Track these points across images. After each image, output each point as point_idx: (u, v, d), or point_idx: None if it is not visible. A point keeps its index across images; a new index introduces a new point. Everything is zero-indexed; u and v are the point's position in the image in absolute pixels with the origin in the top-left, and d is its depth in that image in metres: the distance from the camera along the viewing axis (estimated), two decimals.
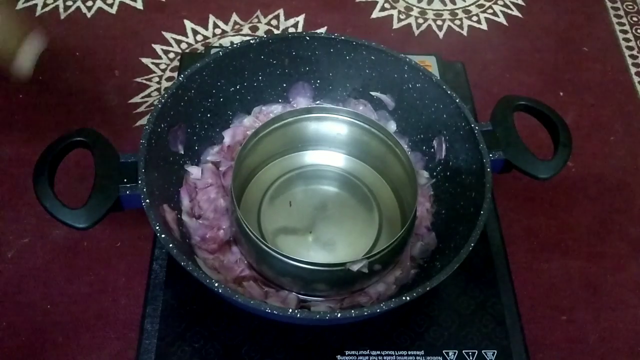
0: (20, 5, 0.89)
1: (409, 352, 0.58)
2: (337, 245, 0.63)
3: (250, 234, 0.56)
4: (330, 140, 0.68)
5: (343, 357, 0.58)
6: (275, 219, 0.64)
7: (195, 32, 0.88)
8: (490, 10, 0.95)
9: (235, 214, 0.58)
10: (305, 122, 0.66)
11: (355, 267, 0.54)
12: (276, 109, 0.71)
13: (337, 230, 0.64)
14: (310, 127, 0.67)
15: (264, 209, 0.65)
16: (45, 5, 0.90)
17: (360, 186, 0.67)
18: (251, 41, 0.65)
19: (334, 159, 0.69)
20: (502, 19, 0.94)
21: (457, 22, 0.93)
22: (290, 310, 0.49)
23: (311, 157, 0.69)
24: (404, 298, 0.50)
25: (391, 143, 0.64)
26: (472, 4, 0.96)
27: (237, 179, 0.61)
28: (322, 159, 0.69)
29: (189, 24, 0.89)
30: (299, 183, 0.68)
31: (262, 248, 0.56)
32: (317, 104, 0.71)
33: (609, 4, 0.98)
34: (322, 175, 0.69)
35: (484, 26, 0.93)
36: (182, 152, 0.65)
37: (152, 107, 0.68)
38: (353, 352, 0.58)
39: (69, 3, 0.90)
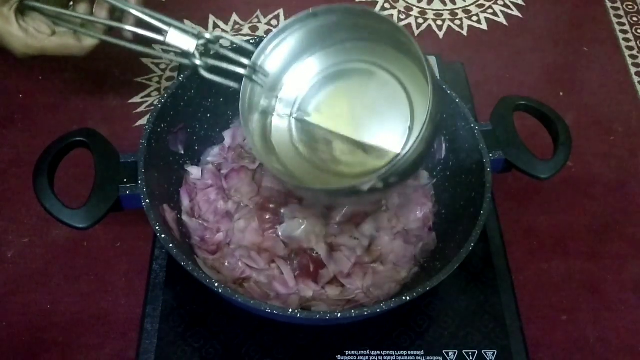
0: None
1: (409, 352, 0.58)
2: (369, 147, 0.59)
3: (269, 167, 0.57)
4: (346, 34, 0.61)
5: (343, 357, 0.58)
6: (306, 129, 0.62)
7: None
8: (490, 10, 0.95)
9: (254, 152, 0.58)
10: (313, 23, 0.60)
11: (366, 187, 0.52)
12: None
13: (369, 128, 0.60)
14: (324, 24, 0.60)
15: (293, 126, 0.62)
16: None
17: (390, 79, 0.61)
18: (250, 41, 0.65)
19: (354, 53, 0.63)
20: (502, 19, 0.94)
21: (457, 22, 0.93)
22: (291, 310, 0.50)
23: (331, 57, 0.63)
24: (404, 298, 0.50)
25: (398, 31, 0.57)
26: (472, 4, 0.96)
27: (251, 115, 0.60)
28: (342, 56, 0.63)
29: (189, 24, 0.89)
30: (325, 86, 0.63)
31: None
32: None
33: (609, 4, 0.98)
34: (348, 72, 0.63)
35: (484, 26, 0.93)
36: (182, 152, 0.65)
37: (152, 107, 0.68)
38: (353, 352, 0.58)
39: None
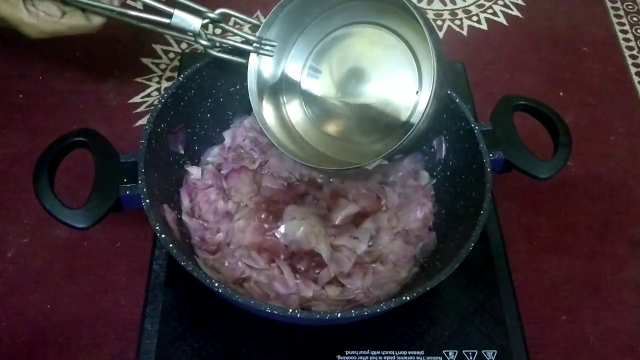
0: None
1: (409, 352, 0.58)
2: (377, 114, 0.61)
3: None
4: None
5: (343, 357, 0.58)
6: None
7: None
8: (490, 10, 0.95)
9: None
10: None
11: (371, 167, 0.56)
12: None
13: (379, 93, 0.62)
14: None
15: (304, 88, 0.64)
16: None
17: (397, 42, 0.62)
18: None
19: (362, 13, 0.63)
20: (502, 19, 0.94)
21: (457, 22, 0.93)
22: (291, 311, 0.49)
23: (339, 18, 0.63)
24: (404, 298, 0.50)
25: None
26: (472, 4, 0.96)
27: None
28: (350, 16, 0.63)
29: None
30: (334, 49, 0.63)
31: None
32: None
33: (609, 4, 0.98)
34: (354, 34, 0.63)
35: (484, 26, 0.93)
36: (182, 152, 0.65)
37: (152, 107, 0.68)
38: (353, 352, 0.58)
39: None
